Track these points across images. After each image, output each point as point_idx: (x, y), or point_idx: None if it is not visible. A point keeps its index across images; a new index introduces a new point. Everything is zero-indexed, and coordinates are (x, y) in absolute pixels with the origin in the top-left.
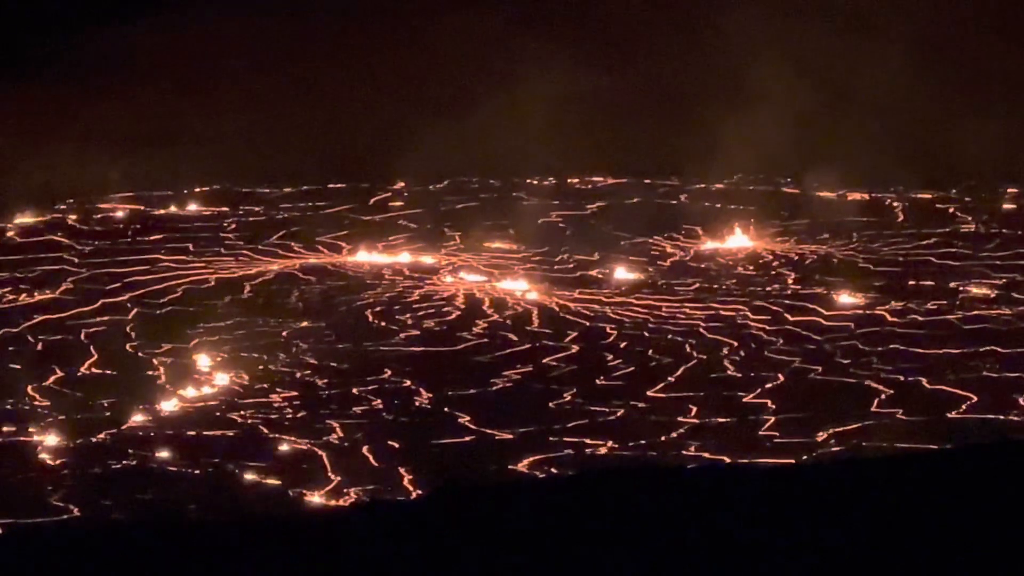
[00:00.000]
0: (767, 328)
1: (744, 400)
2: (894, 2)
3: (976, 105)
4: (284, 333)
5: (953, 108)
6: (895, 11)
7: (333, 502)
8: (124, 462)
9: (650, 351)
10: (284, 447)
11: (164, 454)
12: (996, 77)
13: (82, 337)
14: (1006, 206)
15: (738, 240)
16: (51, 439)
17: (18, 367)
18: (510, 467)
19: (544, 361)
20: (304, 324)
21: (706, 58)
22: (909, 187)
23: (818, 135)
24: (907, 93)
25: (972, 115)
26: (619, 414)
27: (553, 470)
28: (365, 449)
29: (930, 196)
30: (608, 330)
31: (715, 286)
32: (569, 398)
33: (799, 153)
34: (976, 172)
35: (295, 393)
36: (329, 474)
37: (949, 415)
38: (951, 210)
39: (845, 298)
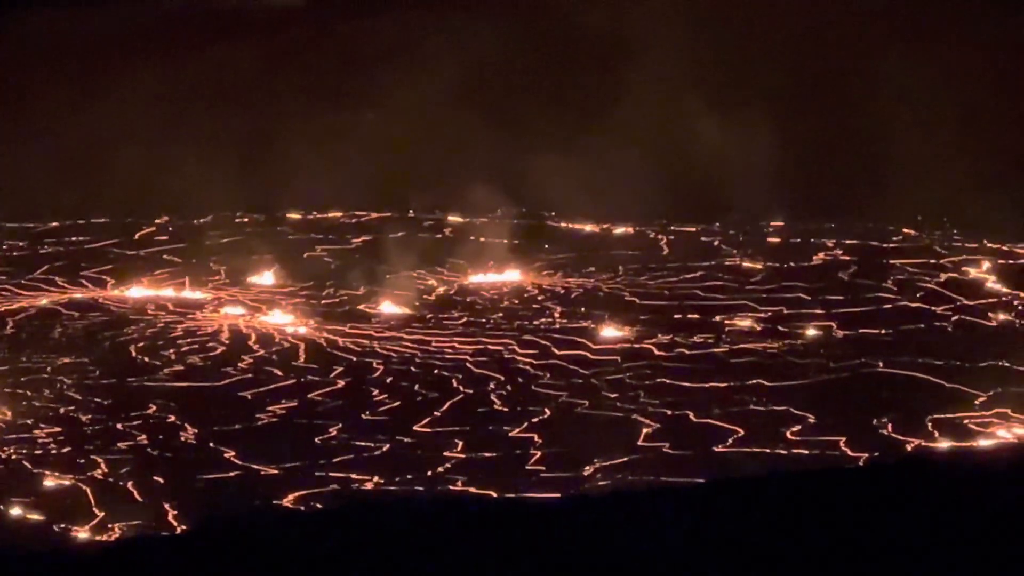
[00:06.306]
0: (534, 362)
1: (511, 434)
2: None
3: (740, 138)
4: (47, 368)
5: (718, 141)
6: (656, 41)
7: (98, 537)
8: None
9: (416, 386)
10: (48, 482)
11: None
12: (764, 111)
13: None
14: (770, 239)
15: (503, 274)
16: None
17: None
18: (275, 502)
19: (310, 396)
20: (67, 359)
21: (471, 87)
22: (673, 220)
23: (583, 168)
24: (671, 125)
25: (737, 148)
26: (385, 449)
27: (318, 505)
28: (130, 484)
29: (694, 229)
30: (375, 365)
31: (483, 320)
32: (335, 433)
33: (563, 186)
34: (740, 205)
35: (59, 428)
36: (94, 509)
37: (716, 448)
38: (716, 243)
39: (611, 332)
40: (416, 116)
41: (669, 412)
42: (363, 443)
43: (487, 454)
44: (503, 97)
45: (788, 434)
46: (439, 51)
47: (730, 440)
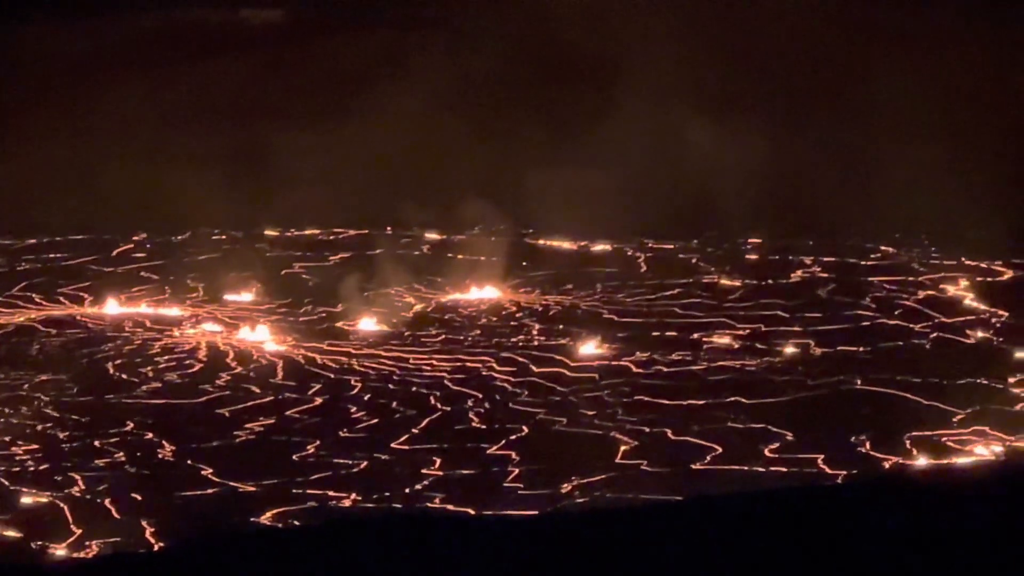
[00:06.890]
0: (512, 379)
1: (488, 452)
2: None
3: (719, 156)
4: (25, 386)
5: (696, 160)
6: (640, 60)
7: (76, 554)
8: None
9: (394, 403)
10: (26, 499)
11: None
12: (744, 130)
13: None
14: (748, 256)
15: (482, 291)
16: None
17: None
18: (253, 519)
19: (287, 413)
20: (45, 377)
21: (454, 103)
22: (651, 237)
23: (561, 185)
24: (650, 144)
25: (715, 166)
26: (363, 466)
27: (296, 522)
28: (107, 501)
29: (672, 246)
30: (353, 382)
31: (461, 337)
32: (312, 450)
33: (542, 203)
34: (718, 222)
35: (37, 446)
36: (71, 526)
37: (694, 466)
38: (694, 260)
39: (590, 349)
40: (395, 133)
41: (647, 429)
42: (341, 460)
43: (465, 471)
44: (486, 114)
45: (766, 451)
46: (423, 68)
47: (708, 457)
